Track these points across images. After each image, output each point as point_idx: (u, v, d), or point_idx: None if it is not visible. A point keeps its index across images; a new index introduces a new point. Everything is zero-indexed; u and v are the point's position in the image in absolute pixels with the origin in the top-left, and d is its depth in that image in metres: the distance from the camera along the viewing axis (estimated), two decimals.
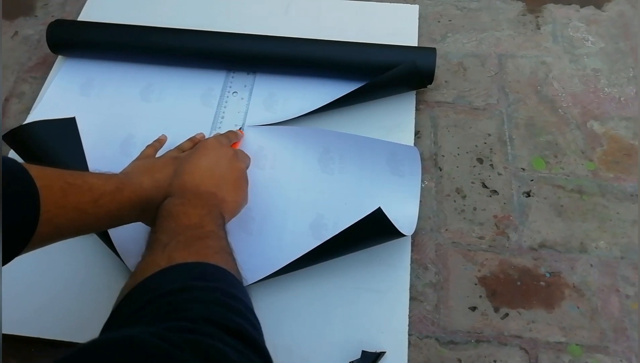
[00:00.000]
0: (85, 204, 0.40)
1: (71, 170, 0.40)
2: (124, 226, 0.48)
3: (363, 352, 0.50)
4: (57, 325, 0.53)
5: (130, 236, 0.55)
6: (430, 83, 0.64)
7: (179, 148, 0.60)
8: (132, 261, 0.54)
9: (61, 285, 0.55)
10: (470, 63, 0.70)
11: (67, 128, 0.60)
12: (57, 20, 0.70)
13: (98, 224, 0.44)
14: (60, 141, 0.60)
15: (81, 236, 0.42)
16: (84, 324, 0.53)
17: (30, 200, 0.35)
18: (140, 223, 0.50)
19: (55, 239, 0.38)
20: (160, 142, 0.61)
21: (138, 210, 0.47)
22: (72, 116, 0.63)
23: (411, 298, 0.54)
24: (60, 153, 0.59)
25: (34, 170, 0.36)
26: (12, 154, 0.64)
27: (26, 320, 0.53)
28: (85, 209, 0.40)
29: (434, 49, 0.64)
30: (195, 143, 0.62)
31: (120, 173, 0.53)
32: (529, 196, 0.60)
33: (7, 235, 0.34)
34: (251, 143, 0.63)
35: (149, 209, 0.48)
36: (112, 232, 0.53)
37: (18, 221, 0.34)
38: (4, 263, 0.35)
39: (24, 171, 0.35)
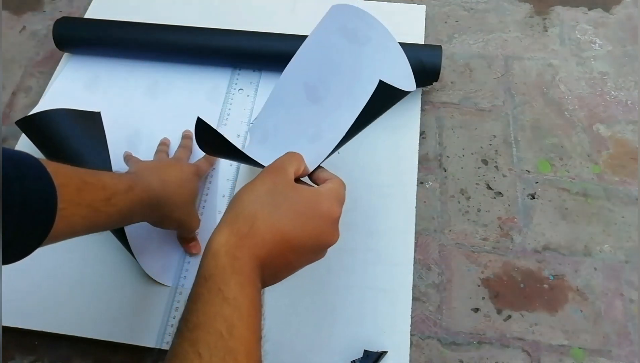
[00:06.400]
0: (99, 202, 0.40)
1: (85, 168, 0.40)
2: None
3: (365, 351, 0.50)
4: (61, 319, 0.53)
5: (143, 232, 0.55)
6: (436, 80, 0.64)
7: (178, 152, 0.61)
8: (143, 257, 0.54)
9: (67, 280, 0.55)
10: (477, 64, 0.70)
11: (91, 121, 0.60)
12: (63, 18, 0.70)
13: (109, 223, 0.44)
14: (84, 132, 0.59)
15: (94, 233, 0.42)
16: (88, 319, 0.53)
17: (49, 197, 0.35)
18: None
19: (68, 236, 0.38)
20: (166, 145, 0.62)
21: (147, 209, 0.47)
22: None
23: (414, 299, 0.54)
24: (83, 145, 0.58)
25: (51, 167, 0.36)
26: (21, 143, 0.64)
27: (31, 314, 0.53)
28: (99, 208, 0.40)
29: (440, 46, 0.64)
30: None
31: (129, 172, 0.53)
32: (534, 198, 0.60)
33: (26, 231, 0.34)
34: None
35: (156, 208, 0.48)
36: (126, 228, 0.53)
37: (36, 218, 0.34)
38: (20, 258, 0.35)
39: (42, 168, 0.35)
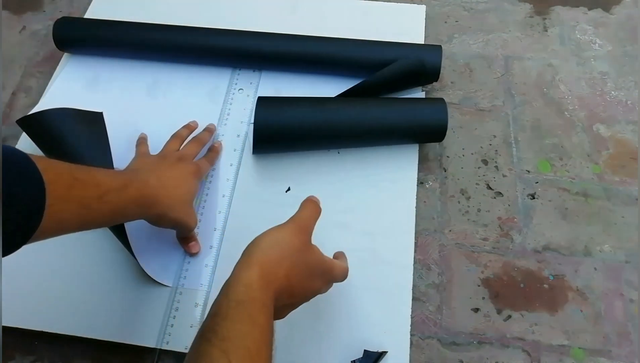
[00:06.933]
0: (90, 199, 0.40)
1: (78, 164, 0.40)
2: (139, 222, 0.49)
3: (365, 351, 0.50)
4: (61, 319, 0.53)
5: (143, 232, 0.55)
6: (436, 80, 0.64)
7: (189, 145, 0.60)
8: (143, 257, 0.54)
9: (67, 280, 0.55)
10: (477, 64, 0.70)
11: (93, 121, 0.60)
12: (63, 18, 0.70)
13: (102, 220, 0.44)
14: (85, 132, 0.59)
15: (87, 230, 0.42)
16: (88, 319, 0.53)
17: (36, 193, 0.35)
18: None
19: (58, 233, 0.38)
20: (189, 129, 0.62)
21: (142, 208, 0.47)
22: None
23: (414, 299, 0.54)
24: (84, 145, 0.58)
25: (41, 163, 0.36)
26: (21, 142, 0.64)
27: (30, 314, 0.53)
28: (90, 205, 0.40)
29: (440, 46, 0.64)
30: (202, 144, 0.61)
31: (127, 169, 0.53)
32: (534, 198, 0.60)
33: (12, 227, 0.34)
34: None
35: (153, 207, 0.48)
36: (127, 226, 0.53)
37: (23, 214, 0.34)
38: (5, 255, 0.35)
39: (31, 163, 0.35)
